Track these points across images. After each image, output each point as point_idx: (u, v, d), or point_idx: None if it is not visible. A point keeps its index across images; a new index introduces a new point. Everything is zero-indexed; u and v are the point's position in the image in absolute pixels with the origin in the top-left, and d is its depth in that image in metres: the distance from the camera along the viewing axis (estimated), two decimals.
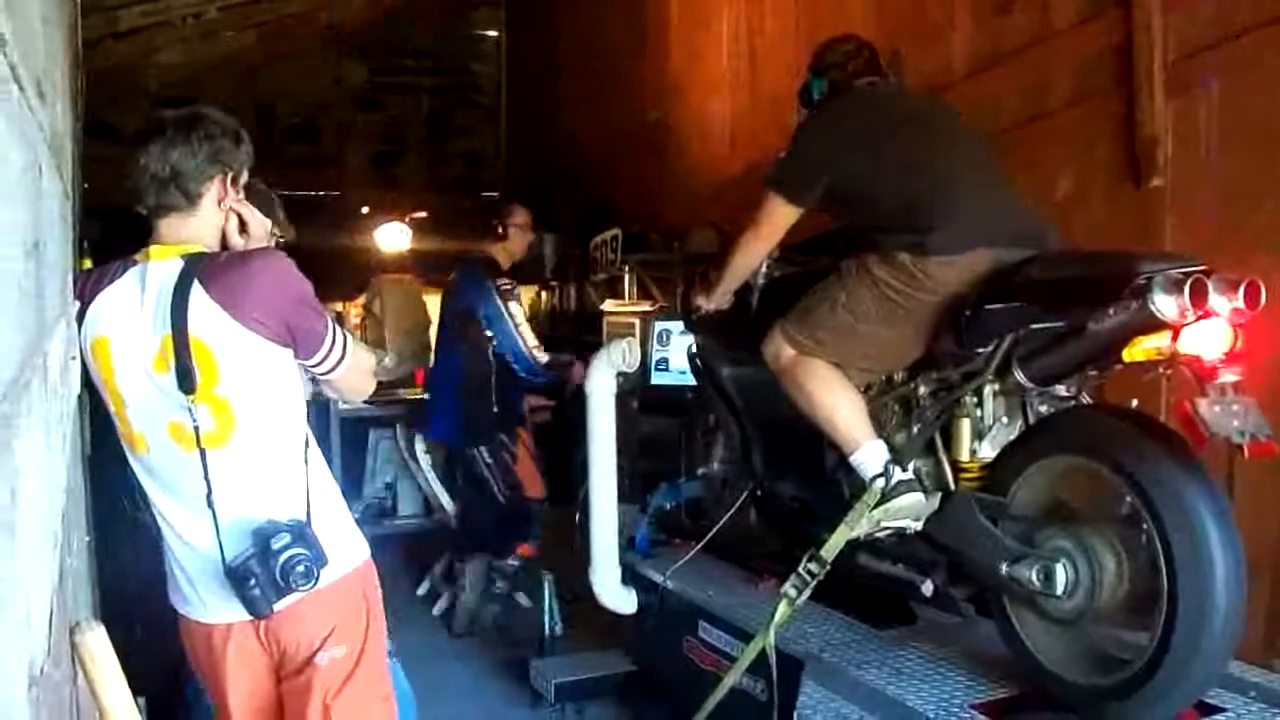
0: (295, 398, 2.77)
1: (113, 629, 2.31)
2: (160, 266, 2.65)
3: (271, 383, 2.69)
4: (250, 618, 2.69)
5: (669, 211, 8.44)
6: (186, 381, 2.57)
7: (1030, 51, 5.14)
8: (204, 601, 2.79)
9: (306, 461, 2.78)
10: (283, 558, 2.59)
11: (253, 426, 2.66)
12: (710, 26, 8.33)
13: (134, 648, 3.12)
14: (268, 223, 2.89)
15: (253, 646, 2.80)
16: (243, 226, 2.82)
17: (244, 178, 2.81)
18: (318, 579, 2.63)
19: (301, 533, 2.64)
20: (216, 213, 2.75)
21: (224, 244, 2.81)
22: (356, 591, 2.85)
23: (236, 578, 2.60)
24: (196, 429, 2.60)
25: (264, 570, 2.59)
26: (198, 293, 2.57)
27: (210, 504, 2.64)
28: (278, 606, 2.64)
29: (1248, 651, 3.64)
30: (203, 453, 2.62)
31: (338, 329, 2.79)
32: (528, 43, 12.35)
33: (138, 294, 2.66)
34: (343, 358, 2.79)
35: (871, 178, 3.85)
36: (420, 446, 7.50)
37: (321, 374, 2.82)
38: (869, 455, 3.78)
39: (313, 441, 2.84)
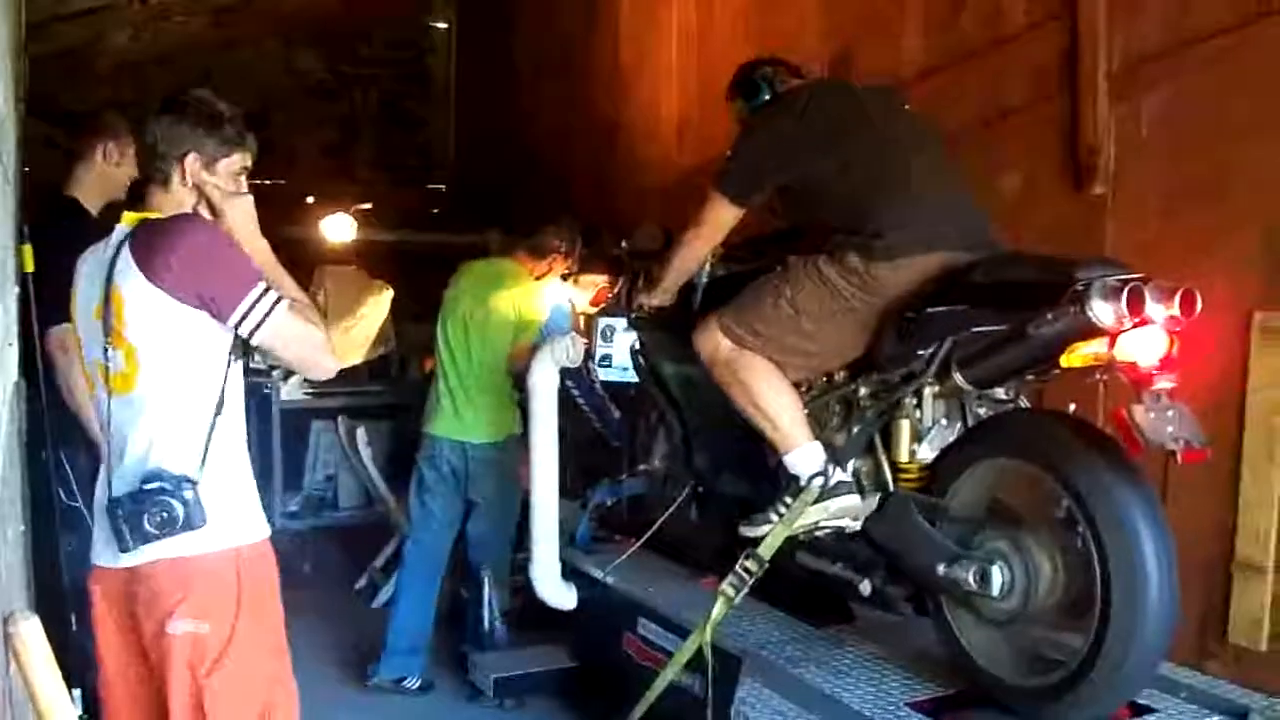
0: (206, 360, 2.85)
1: (48, 621, 2.30)
2: (121, 229, 2.90)
3: (176, 339, 2.80)
4: (129, 560, 2.79)
5: (618, 207, 8.43)
6: (106, 326, 2.81)
7: (980, 55, 5.17)
8: (97, 540, 2.93)
9: (214, 427, 2.85)
10: (149, 500, 2.72)
11: (154, 375, 2.81)
12: (660, 21, 8.32)
13: (69, 640, 3.11)
14: (247, 209, 3.02)
15: (118, 593, 2.88)
16: (212, 211, 2.98)
17: (227, 163, 3.00)
18: (175, 532, 2.73)
19: (180, 486, 2.74)
20: (187, 191, 2.96)
21: None
22: (225, 572, 2.85)
23: (110, 510, 2.77)
24: (107, 369, 2.83)
25: (133, 507, 2.73)
26: (125, 250, 2.81)
27: (107, 440, 2.89)
28: (142, 550, 2.75)
29: (1180, 653, 3.70)
30: (109, 393, 2.85)
31: (270, 295, 2.83)
32: (479, 34, 12.28)
33: (101, 254, 2.90)
34: (264, 320, 2.82)
35: (819, 179, 3.85)
36: (362, 438, 7.47)
37: (245, 335, 2.84)
38: (803, 457, 3.80)
39: (230, 413, 2.90)
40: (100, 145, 4.41)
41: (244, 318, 2.79)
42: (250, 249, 2.96)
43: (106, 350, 2.80)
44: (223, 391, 2.87)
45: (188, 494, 2.74)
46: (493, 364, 5.82)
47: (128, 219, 2.92)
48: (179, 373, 2.83)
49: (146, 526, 2.71)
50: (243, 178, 3.05)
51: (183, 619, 2.76)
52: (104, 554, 2.88)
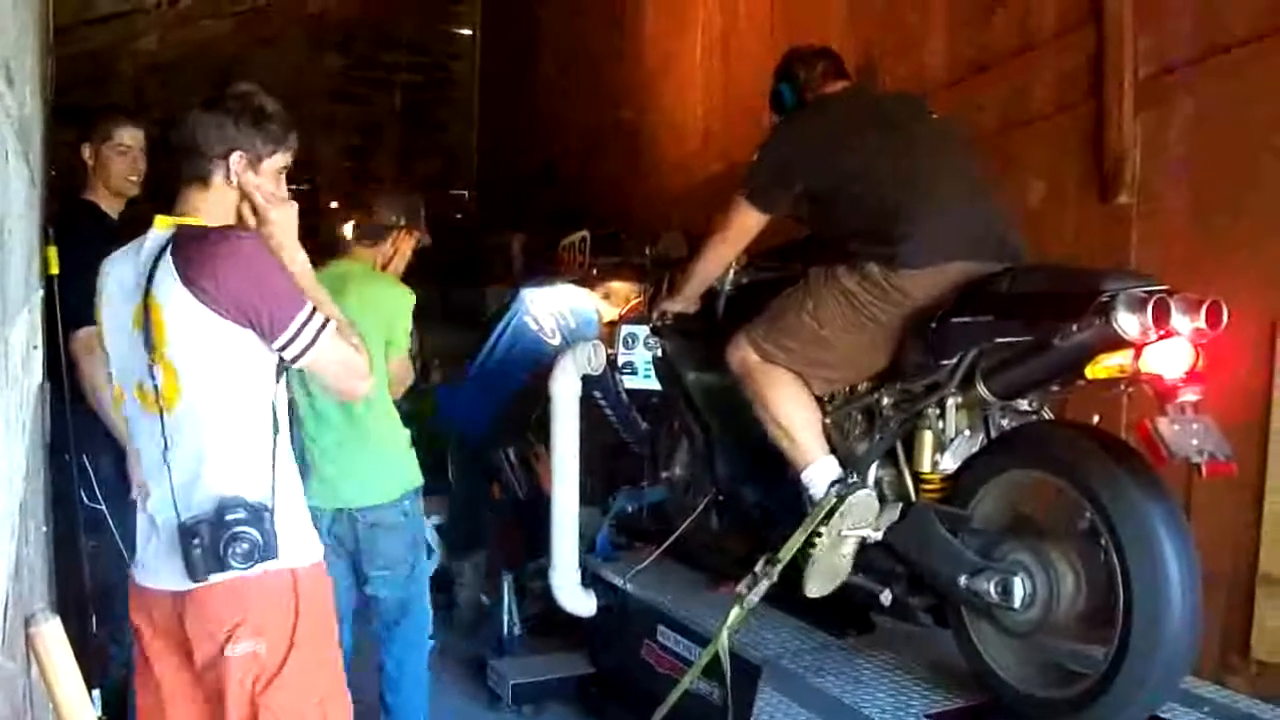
0: (254, 380, 2.74)
1: (68, 622, 2.31)
2: (157, 235, 2.75)
3: (222, 358, 2.69)
4: (184, 584, 2.68)
5: (640, 213, 8.42)
6: (148, 341, 2.67)
7: (1005, 63, 5.15)
8: (149, 562, 2.81)
9: (276, 447, 2.76)
10: (230, 531, 2.61)
11: (199, 395, 2.70)
12: (685, 28, 8.33)
13: (89, 640, 3.12)
14: (291, 217, 2.89)
15: (166, 615, 2.78)
16: (255, 215, 2.85)
17: (271, 162, 2.86)
18: (255, 562, 2.63)
19: (260, 516, 2.65)
20: (229, 191, 2.81)
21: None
22: (282, 591, 2.76)
23: (185, 534, 2.63)
24: (156, 388, 2.68)
25: (210, 536, 2.61)
26: (166, 259, 2.66)
27: (166, 461, 2.71)
28: (213, 578, 2.63)
29: (1202, 668, 3.67)
30: (161, 412, 2.70)
31: (317, 317, 2.72)
32: (503, 40, 12.33)
33: (135, 259, 2.76)
34: (310, 345, 2.71)
35: (842, 187, 3.85)
36: None
37: (290, 359, 2.74)
38: (818, 472, 3.81)
39: (283, 432, 2.80)
40: (93, 147, 4.38)
41: (291, 341, 2.69)
42: (290, 259, 2.84)
43: (151, 368, 2.67)
44: (274, 409, 2.78)
45: (267, 524, 2.66)
46: (367, 398, 3.97)
47: (162, 223, 2.76)
48: (226, 391, 2.72)
49: (229, 559, 2.60)
50: (283, 179, 2.91)
51: (242, 640, 2.69)
52: (154, 576, 2.79)
